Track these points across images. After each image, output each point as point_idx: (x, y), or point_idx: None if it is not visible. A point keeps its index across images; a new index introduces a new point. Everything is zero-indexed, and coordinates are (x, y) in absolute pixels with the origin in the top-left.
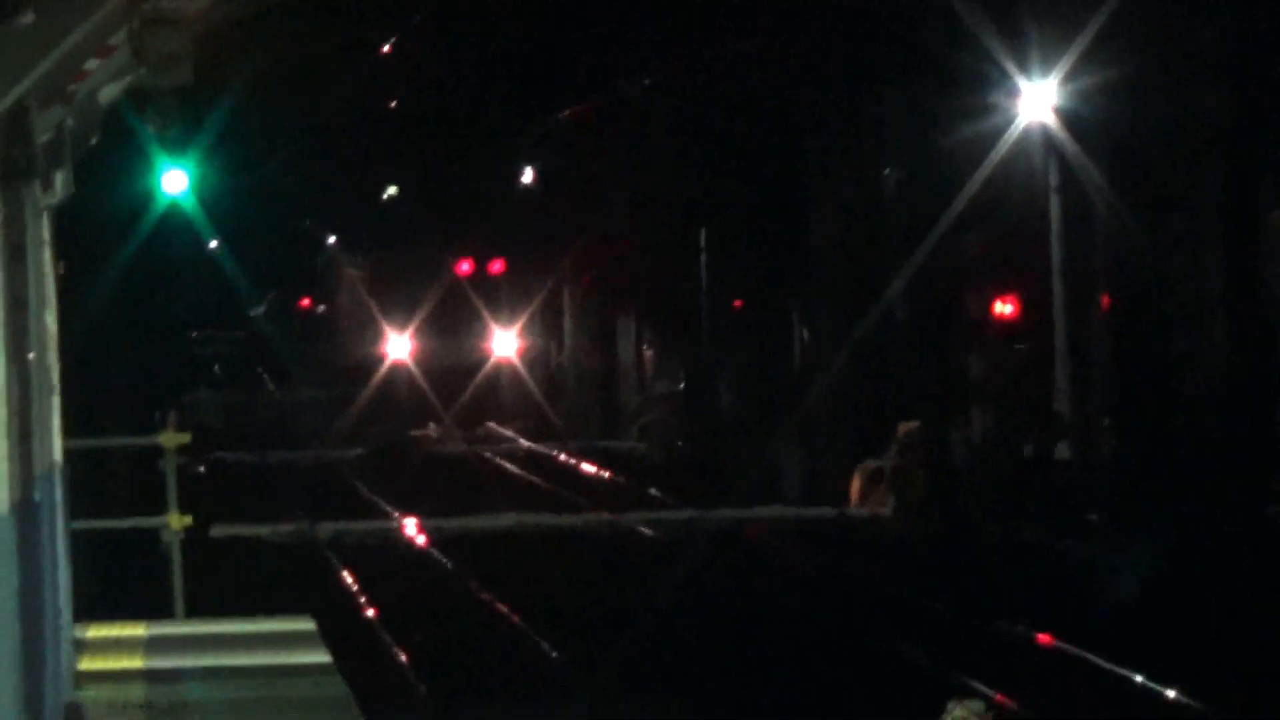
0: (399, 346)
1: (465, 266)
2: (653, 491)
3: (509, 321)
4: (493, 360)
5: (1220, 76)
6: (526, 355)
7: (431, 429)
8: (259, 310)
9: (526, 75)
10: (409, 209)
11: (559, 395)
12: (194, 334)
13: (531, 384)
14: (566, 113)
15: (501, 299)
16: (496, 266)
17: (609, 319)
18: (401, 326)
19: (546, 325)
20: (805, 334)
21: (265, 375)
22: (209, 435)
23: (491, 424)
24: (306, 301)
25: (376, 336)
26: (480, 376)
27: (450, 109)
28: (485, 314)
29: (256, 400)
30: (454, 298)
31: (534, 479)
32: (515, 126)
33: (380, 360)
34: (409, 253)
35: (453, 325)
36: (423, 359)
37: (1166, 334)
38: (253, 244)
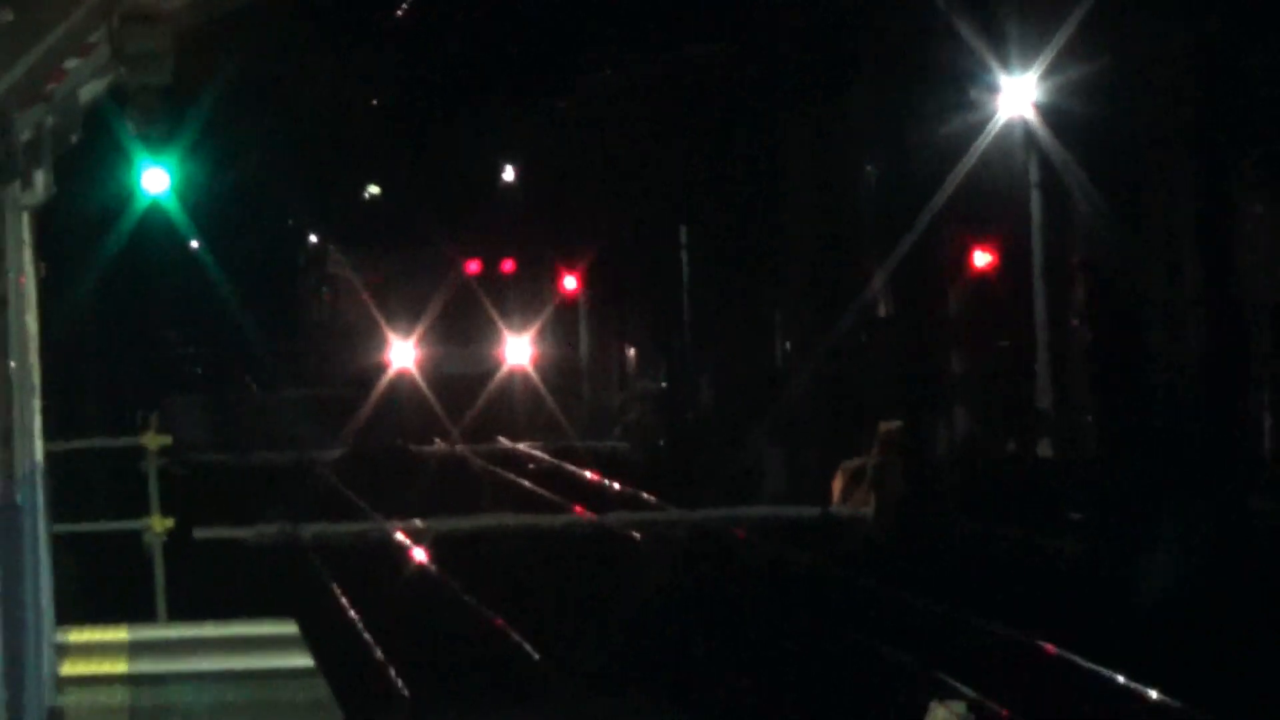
0: (403, 354)
1: (474, 266)
2: (632, 491)
3: (522, 326)
4: (505, 368)
5: (1193, 73)
6: (542, 362)
7: (437, 445)
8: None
9: (505, 72)
10: (398, 205)
11: (577, 404)
12: (174, 334)
13: (546, 394)
14: (546, 110)
15: (514, 301)
16: (508, 266)
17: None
18: (405, 332)
19: (566, 329)
20: (784, 331)
21: (248, 378)
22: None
23: (504, 439)
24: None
25: (379, 343)
26: (492, 386)
27: (432, 105)
28: (496, 318)
29: (239, 402)
30: (462, 300)
31: (515, 478)
32: (497, 122)
33: (382, 368)
34: (413, 252)
35: (461, 330)
36: (428, 367)
37: (1143, 330)
38: (235, 243)
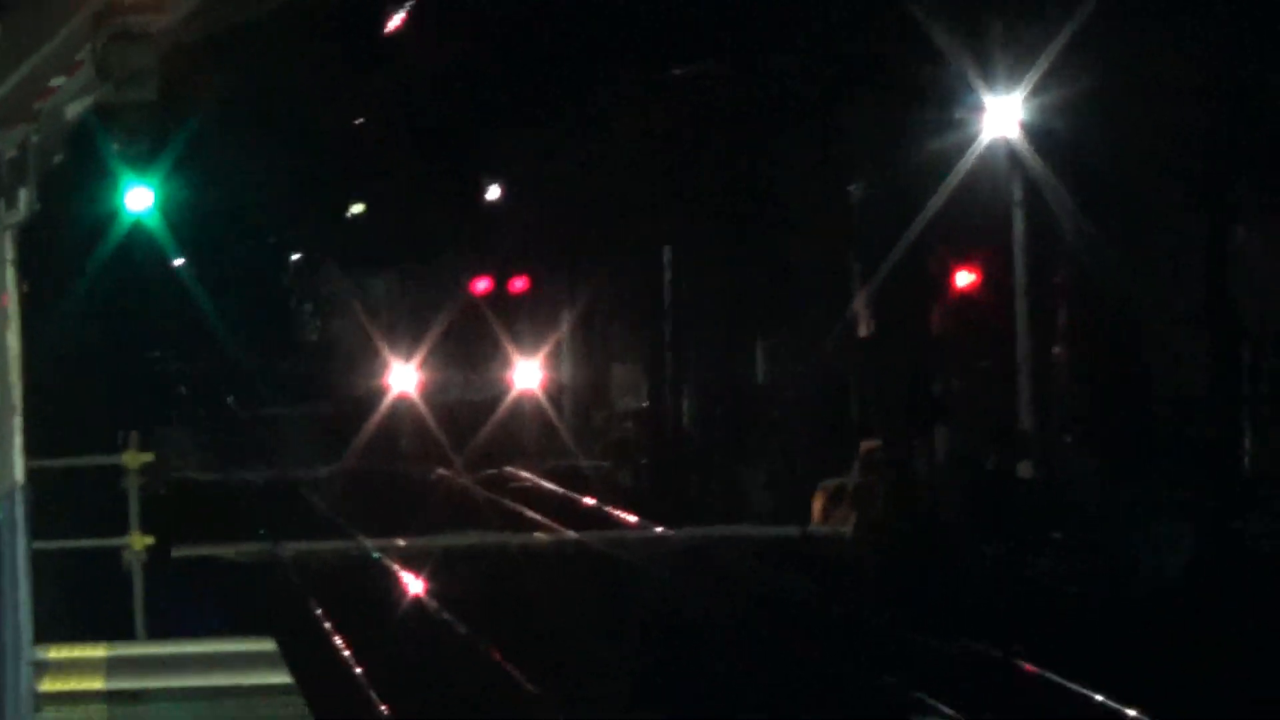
0: (403, 377)
1: (483, 285)
2: (614, 511)
3: (533, 348)
4: (514, 393)
5: (1192, 91)
6: (553, 387)
7: (439, 474)
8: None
9: (495, 89)
10: (392, 221)
11: (584, 427)
12: (157, 353)
13: (557, 419)
14: (537, 126)
15: (525, 322)
16: (519, 284)
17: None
18: (407, 354)
19: (583, 352)
20: (767, 350)
21: (231, 396)
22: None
23: (511, 469)
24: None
25: (378, 365)
26: (499, 413)
27: (419, 124)
28: (505, 340)
29: (223, 420)
30: (469, 321)
31: (498, 498)
32: (485, 139)
33: (381, 392)
34: (419, 270)
35: (467, 353)
36: (431, 392)
37: (1136, 350)
38: (219, 261)
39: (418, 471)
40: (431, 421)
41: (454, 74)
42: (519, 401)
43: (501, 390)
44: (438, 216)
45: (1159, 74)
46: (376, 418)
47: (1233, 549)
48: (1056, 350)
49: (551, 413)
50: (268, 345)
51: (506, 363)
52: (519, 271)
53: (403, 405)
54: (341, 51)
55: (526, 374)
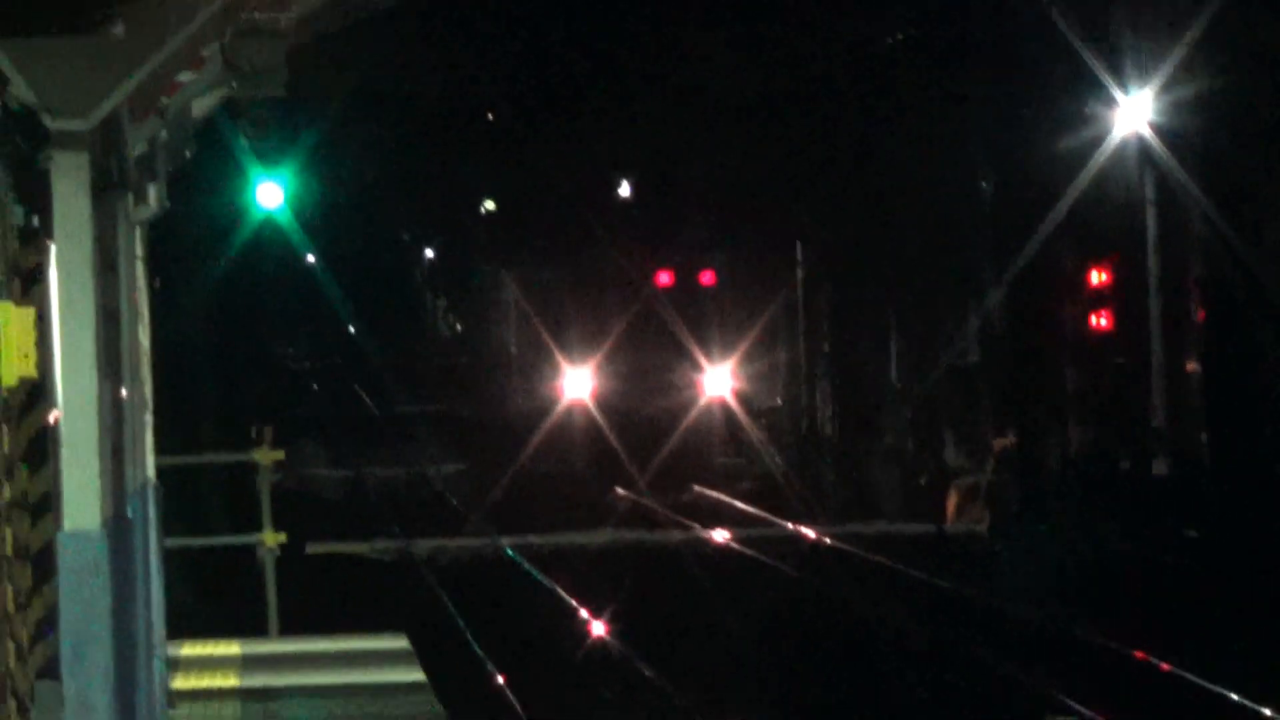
0: (578, 384)
1: (665, 278)
2: (751, 509)
3: (724, 349)
4: (703, 401)
5: None
6: (745, 393)
7: (618, 493)
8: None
9: (617, 77)
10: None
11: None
12: (290, 349)
13: (751, 427)
14: (659, 120)
15: (713, 319)
16: (707, 278)
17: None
18: (580, 358)
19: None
20: (901, 347)
21: (362, 393)
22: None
23: (701, 487)
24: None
25: (551, 371)
26: (686, 423)
27: (541, 116)
28: (691, 340)
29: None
30: (648, 319)
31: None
32: (605, 127)
33: (553, 401)
34: (594, 264)
35: (647, 356)
36: (608, 400)
37: (1264, 350)
38: (350, 257)
39: (590, 491)
40: (609, 432)
41: (577, 67)
42: (708, 409)
43: (689, 398)
44: (581, 206)
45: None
46: (543, 426)
47: None
48: (1194, 333)
49: (746, 421)
50: (402, 342)
51: (694, 367)
52: (706, 264)
53: (576, 413)
54: (472, 43)
55: (716, 380)
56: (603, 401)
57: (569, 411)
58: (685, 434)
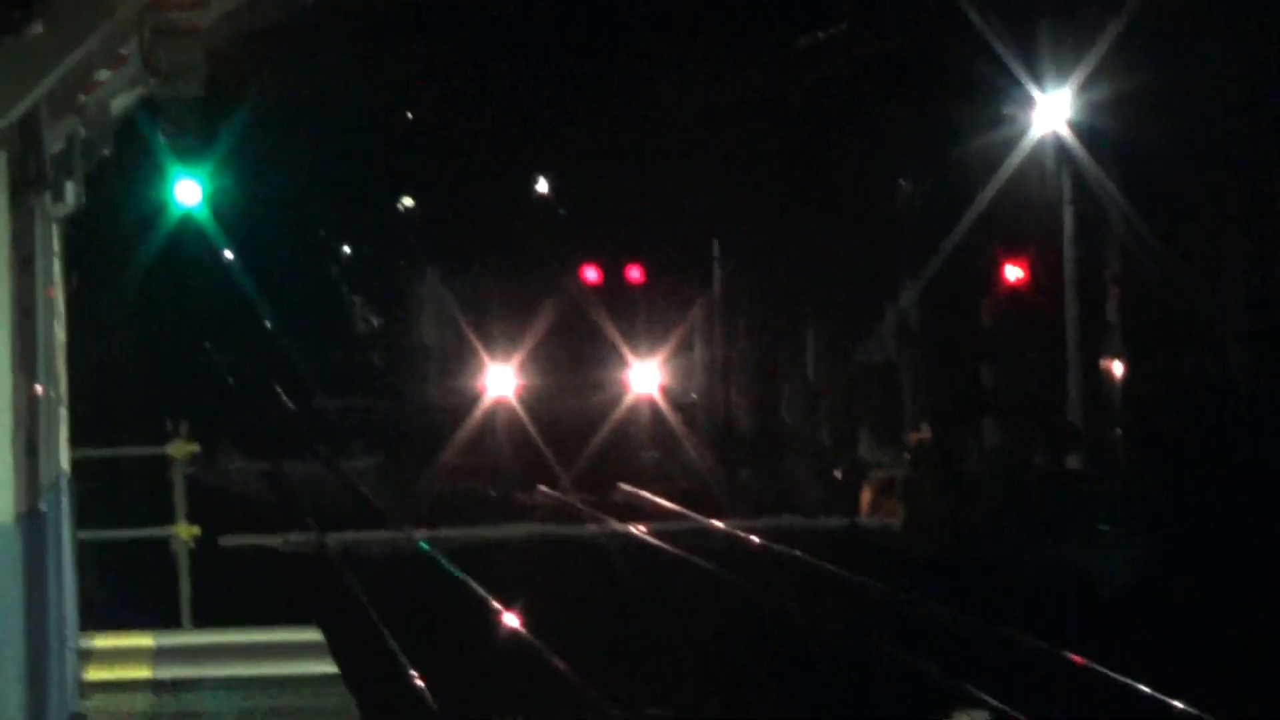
0: (501, 380)
1: (593, 274)
2: (670, 505)
3: (652, 346)
4: (630, 398)
5: (1243, 89)
6: (673, 389)
7: (540, 492)
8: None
9: (543, 81)
10: (443, 215)
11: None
12: (208, 345)
13: (677, 424)
14: (586, 122)
15: (641, 315)
16: (635, 274)
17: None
18: (504, 354)
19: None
20: (818, 345)
21: (280, 388)
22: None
23: (625, 485)
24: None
25: (473, 367)
26: (613, 420)
27: (466, 118)
28: (619, 336)
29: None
30: (575, 315)
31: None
32: (530, 133)
33: (475, 397)
34: (517, 260)
35: (573, 352)
36: (533, 397)
37: (1184, 349)
38: (268, 254)
39: (513, 488)
40: (533, 430)
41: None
42: (635, 406)
43: (616, 394)
44: (502, 203)
45: (1209, 70)
46: (465, 422)
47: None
48: (1109, 331)
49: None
50: (319, 338)
51: (621, 363)
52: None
53: (500, 410)
54: (390, 42)
55: (644, 376)
56: (528, 398)
57: (494, 409)
58: (612, 431)
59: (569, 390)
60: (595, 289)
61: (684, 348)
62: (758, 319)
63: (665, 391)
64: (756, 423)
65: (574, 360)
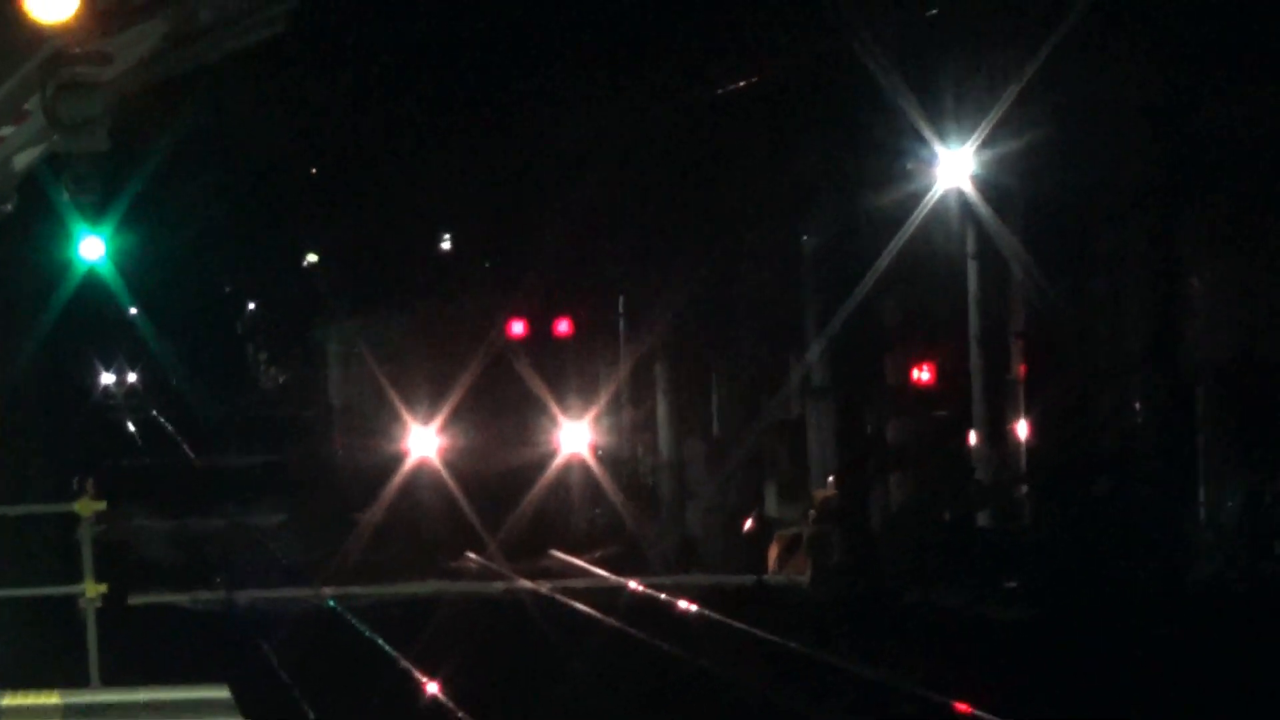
0: (418, 437)
1: (518, 328)
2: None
3: (582, 402)
4: (561, 458)
5: (1142, 137)
6: (610, 450)
7: (469, 558)
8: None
9: (445, 131)
10: (349, 269)
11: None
12: (113, 401)
13: (604, 481)
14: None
15: (570, 371)
16: (563, 327)
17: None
18: (427, 413)
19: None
20: (723, 402)
21: (185, 444)
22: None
23: (558, 552)
24: None
25: (384, 424)
26: (542, 483)
27: (372, 170)
28: (546, 393)
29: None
30: (500, 370)
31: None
32: (438, 178)
33: (387, 454)
34: (442, 311)
35: (498, 409)
36: (456, 458)
37: (1085, 398)
38: (173, 310)
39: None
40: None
41: (404, 119)
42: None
43: (546, 453)
44: (412, 258)
45: (1106, 119)
46: (378, 480)
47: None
48: (1014, 385)
49: (604, 481)
50: (224, 392)
51: (550, 421)
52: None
53: (422, 469)
54: (297, 98)
55: (574, 434)
56: (450, 458)
57: (416, 467)
58: (543, 492)
59: (495, 450)
60: (522, 343)
61: (615, 404)
62: (665, 375)
63: (595, 450)
64: (668, 479)
65: (501, 418)
